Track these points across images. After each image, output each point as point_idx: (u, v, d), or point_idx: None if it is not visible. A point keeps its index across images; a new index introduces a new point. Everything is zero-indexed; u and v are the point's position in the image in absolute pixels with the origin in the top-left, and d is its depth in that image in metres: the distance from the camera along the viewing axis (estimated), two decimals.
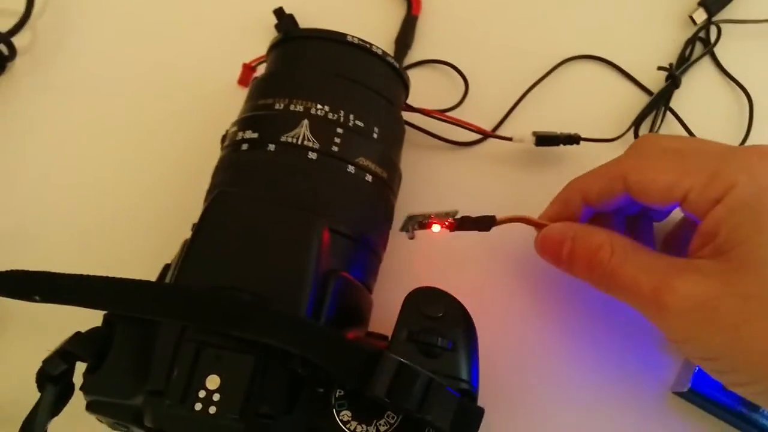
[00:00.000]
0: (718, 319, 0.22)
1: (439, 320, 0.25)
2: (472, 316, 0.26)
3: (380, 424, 0.22)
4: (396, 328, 0.24)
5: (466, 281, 0.32)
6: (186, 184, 0.30)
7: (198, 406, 0.21)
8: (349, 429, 0.22)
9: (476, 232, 0.29)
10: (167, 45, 0.37)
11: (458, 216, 0.30)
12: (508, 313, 0.32)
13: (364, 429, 0.22)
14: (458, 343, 0.24)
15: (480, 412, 0.23)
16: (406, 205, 0.32)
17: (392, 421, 0.22)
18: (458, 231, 0.29)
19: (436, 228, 0.30)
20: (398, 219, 0.30)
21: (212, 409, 0.21)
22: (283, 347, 0.21)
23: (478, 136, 0.34)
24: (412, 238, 0.30)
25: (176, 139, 0.35)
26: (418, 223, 0.30)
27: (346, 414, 0.22)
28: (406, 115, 0.33)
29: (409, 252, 0.32)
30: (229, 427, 0.21)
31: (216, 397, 0.21)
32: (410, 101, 0.33)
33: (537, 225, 0.30)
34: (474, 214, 0.30)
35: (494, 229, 0.29)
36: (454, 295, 0.25)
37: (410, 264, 0.32)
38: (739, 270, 0.22)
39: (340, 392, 0.22)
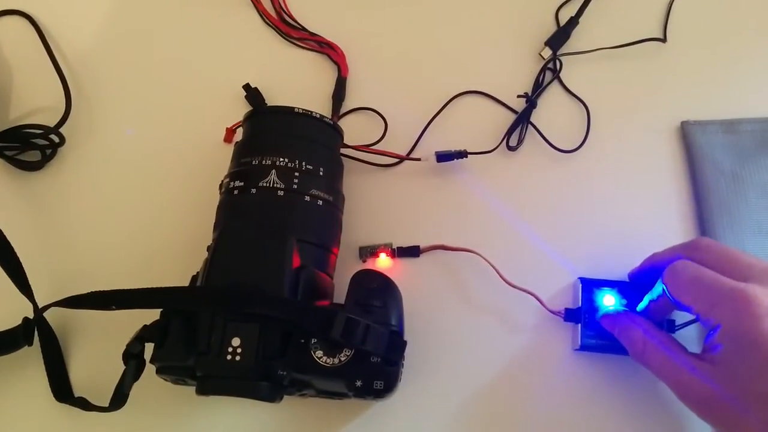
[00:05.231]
0: (715, 411, 0.32)
1: (374, 289, 0.38)
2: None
3: (341, 356, 0.35)
4: (347, 296, 0.37)
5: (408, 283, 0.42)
6: (196, 218, 0.43)
7: (229, 357, 0.34)
8: (321, 361, 0.35)
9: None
10: (170, 120, 0.49)
11: (394, 246, 0.44)
12: (438, 302, 0.44)
13: (332, 360, 0.35)
14: (388, 303, 0.37)
15: (403, 343, 0.36)
16: (352, 213, 0.44)
17: (349, 354, 0.35)
18: (398, 258, 0.44)
19: (383, 256, 0.44)
20: (348, 230, 0.43)
21: (237, 358, 0.34)
22: (274, 316, 0.35)
23: (396, 160, 0.47)
24: (364, 261, 0.45)
25: (186, 186, 0.47)
26: (369, 252, 0.44)
27: (319, 352, 0.35)
28: (346, 150, 0.46)
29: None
30: (248, 367, 0.34)
31: (239, 350, 0.34)
32: (348, 139, 0.45)
33: (452, 249, 0.43)
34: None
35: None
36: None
37: None
38: (727, 378, 0.32)
39: (314, 340, 0.35)
